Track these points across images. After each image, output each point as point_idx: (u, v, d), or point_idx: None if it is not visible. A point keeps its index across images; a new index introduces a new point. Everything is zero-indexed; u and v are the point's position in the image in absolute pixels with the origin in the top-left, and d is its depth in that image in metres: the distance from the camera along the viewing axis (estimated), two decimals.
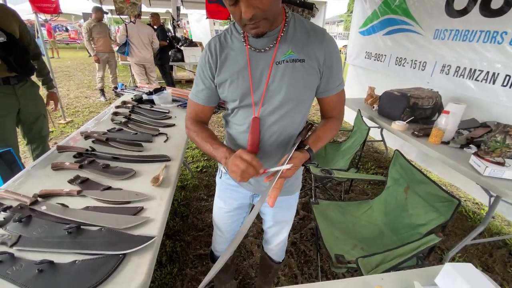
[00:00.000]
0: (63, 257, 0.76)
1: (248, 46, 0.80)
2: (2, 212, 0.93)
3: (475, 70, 2.24)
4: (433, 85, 2.58)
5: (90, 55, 10.99)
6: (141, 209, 0.95)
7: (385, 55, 3.32)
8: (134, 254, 0.77)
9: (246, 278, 1.62)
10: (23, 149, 2.04)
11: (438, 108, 2.28)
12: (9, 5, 2.86)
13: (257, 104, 0.83)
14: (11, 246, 0.79)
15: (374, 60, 3.54)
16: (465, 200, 2.52)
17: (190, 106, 0.95)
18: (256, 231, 2.00)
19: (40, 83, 2.01)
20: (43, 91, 1.99)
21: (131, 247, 0.77)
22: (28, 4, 5.37)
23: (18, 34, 1.69)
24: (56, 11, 3.32)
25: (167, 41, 5.29)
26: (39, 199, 0.98)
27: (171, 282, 1.55)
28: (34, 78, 1.91)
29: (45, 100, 2.05)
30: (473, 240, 1.74)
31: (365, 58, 3.74)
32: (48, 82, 2.05)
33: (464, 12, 2.28)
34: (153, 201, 1.01)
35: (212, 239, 1.26)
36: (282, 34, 0.78)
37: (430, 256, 1.33)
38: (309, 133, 0.90)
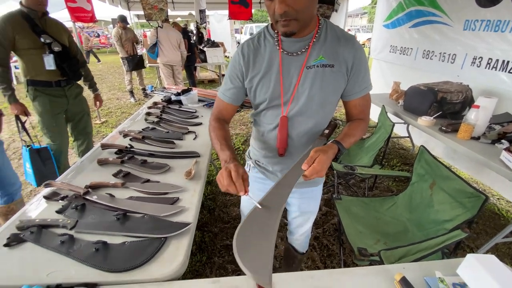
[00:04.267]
0: (114, 239, 0.88)
1: (281, 50, 0.86)
2: (60, 201, 1.09)
3: (508, 62, 2.13)
4: (463, 78, 2.48)
5: (98, 61, 11.64)
6: (177, 199, 1.06)
7: (412, 48, 3.22)
8: (173, 238, 0.88)
9: None
10: (70, 145, 2.31)
11: (468, 103, 2.19)
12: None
13: (286, 105, 0.89)
14: (71, 229, 0.93)
15: (400, 53, 3.44)
16: (498, 199, 2.40)
17: (216, 102, 1.03)
18: (279, 225, 2.07)
19: (86, 87, 2.28)
20: (86, 93, 2.23)
21: (171, 232, 0.88)
22: (63, 12, 5.80)
23: (68, 45, 1.93)
24: (92, 19, 3.59)
25: (190, 41, 5.49)
26: (90, 189, 1.12)
27: (201, 269, 1.67)
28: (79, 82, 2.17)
29: (91, 101, 2.34)
30: (505, 238, 1.67)
31: (390, 52, 3.65)
32: (94, 86, 2.31)
33: (495, 1, 2.16)
34: (187, 192, 1.12)
35: None
36: (314, 40, 0.84)
37: (456, 252, 1.32)
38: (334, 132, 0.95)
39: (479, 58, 2.37)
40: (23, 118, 1.91)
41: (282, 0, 0.70)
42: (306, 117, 0.90)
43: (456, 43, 2.59)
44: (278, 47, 0.86)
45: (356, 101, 0.91)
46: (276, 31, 0.87)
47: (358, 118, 0.95)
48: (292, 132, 0.93)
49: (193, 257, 1.75)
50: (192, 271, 1.65)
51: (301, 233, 1.26)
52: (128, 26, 5.06)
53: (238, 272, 1.65)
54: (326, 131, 0.94)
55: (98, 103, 2.35)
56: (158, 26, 4.44)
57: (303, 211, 1.18)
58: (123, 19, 4.87)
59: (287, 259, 1.45)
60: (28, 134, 1.91)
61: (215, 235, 1.96)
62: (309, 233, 1.30)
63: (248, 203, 1.21)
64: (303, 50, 0.84)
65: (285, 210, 1.28)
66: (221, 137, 0.90)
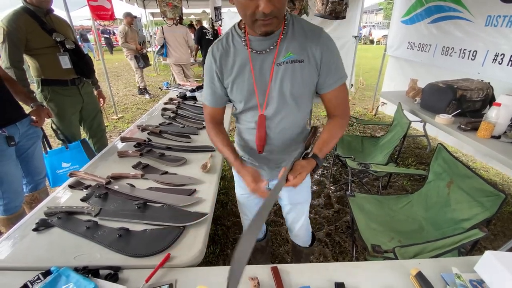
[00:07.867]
0: (135, 226, 0.92)
1: (250, 49, 0.84)
2: (84, 190, 1.14)
3: None
4: (484, 75, 2.40)
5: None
6: (194, 191, 1.10)
7: (430, 45, 3.14)
8: (192, 227, 0.91)
9: (282, 263, 1.71)
10: None
11: (489, 101, 2.13)
12: (68, 11, 3.25)
13: (262, 104, 0.89)
14: (95, 216, 0.98)
15: (418, 50, 3.36)
16: None
17: (204, 109, 1.02)
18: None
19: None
20: None
21: (190, 221, 0.91)
22: (82, 11, 5.94)
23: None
24: (112, 17, 3.68)
25: (200, 45, 5.57)
26: (111, 180, 1.17)
27: (214, 261, 1.71)
28: None
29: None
30: None
31: (408, 48, 3.56)
32: (96, 83, 2.25)
33: None
34: (203, 184, 1.15)
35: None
36: (281, 36, 0.82)
37: (473, 253, 1.29)
38: (315, 137, 0.93)
39: (501, 55, 2.29)
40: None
41: None
42: (283, 114, 0.90)
43: (477, 39, 2.50)
44: (246, 47, 0.84)
45: (332, 93, 0.89)
46: (243, 31, 0.85)
47: (336, 114, 0.93)
48: (270, 130, 0.94)
49: (207, 248, 1.79)
50: (206, 262, 1.69)
51: (298, 228, 1.25)
52: (133, 25, 5.11)
53: (249, 263, 1.68)
54: (306, 142, 0.92)
55: (102, 100, 2.26)
56: (172, 24, 4.49)
57: (294, 203, 1.17)
58: (129, 13, 4.93)
59: (295, 255, 1.46)
60: (47, 141, 1.81)
61: (228, 228, 2.00)
62: (307, 226, 1.28)
63: (241, 197, 1.21)
64: (272, 47, 0.83)
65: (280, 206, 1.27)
66: (220, 143, 0.97)
